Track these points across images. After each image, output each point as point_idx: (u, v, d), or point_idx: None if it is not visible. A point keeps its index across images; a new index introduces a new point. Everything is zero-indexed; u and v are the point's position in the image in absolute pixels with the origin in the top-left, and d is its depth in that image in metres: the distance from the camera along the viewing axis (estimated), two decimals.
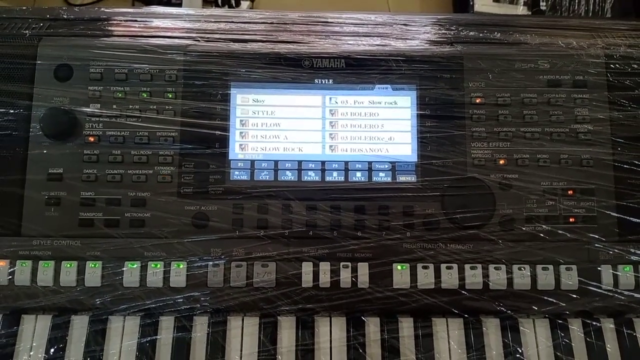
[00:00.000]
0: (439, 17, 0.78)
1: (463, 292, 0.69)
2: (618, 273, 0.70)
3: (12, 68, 0.73)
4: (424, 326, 0.70)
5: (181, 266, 0.69)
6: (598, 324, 0.70)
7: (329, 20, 0.78)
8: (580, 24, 0.79)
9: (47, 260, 0.69)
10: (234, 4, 1.67)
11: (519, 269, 0.70)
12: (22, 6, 0.79)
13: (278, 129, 0.74)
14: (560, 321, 0.70)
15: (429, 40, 0.76)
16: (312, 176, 0.72)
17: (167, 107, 0.72)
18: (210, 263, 0.69)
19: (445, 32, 0.77)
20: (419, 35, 0.76)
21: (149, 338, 0.69)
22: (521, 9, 1.27)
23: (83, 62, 0.73)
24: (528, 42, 0.76)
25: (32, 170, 0.71)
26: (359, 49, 0.75)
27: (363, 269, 0.70)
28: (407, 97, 0.74)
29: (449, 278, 0.70)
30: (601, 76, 0.74)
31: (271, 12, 0.79)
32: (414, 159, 0.72)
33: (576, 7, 1.21)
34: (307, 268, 0.70)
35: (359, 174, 0.72)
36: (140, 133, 0.72)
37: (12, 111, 0.72)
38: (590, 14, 1.16)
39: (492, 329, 0.70)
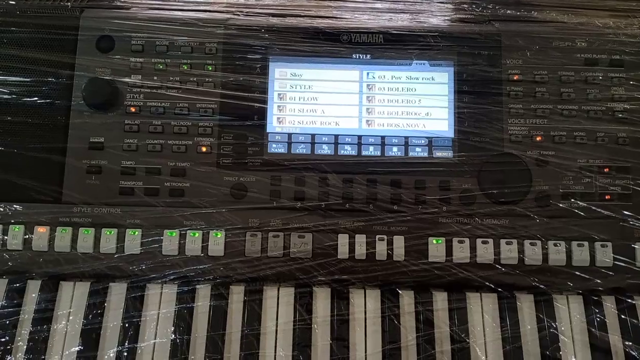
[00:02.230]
0: None
1: (498, 266, 0.70)
2: None
3: (54, 39, 0.74)
4: (458, 299, 0.70)
5: (219, 235, 0.70)
6: (632, 301, 0.71)
7: None
8: (617, 5, 0.79)
9: (87, 228, 0.70)
10: None
11: (555, 244, 0.70)
12: None
13: (315, 103, 0.74)
14: (594, 298, 0.70)
15: (467, 18, 0.77)
16: (348, 150, 0.73)
17: (206, 79, 0.73)
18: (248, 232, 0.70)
19: (482, 9, 0.77)
20: (456, 12, 0.77)
21: (186, 305, 0.69)
22: None
23: (125, 34, 0.74)
24: (565, 21, 0.76)
25: (73, 139, 0.72)
26: (397, 25, 0.75)
27: (399, 242, 0.70)
28: (445, 73, 0.74)
29: (485, 252, 0.70)
30: (638, 56, 0.74)
31: None
32: (451, 134, 0.73)
33: None
34: (343, 240, 0.70)
35: (395, 148, 0.73)
36: (181, 104, 0.73)
37: (54, 80, 0.73)
38: None
39: (526, 304, 0.71)
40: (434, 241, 0.70)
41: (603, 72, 0.74)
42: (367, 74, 0.75)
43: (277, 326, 0.69)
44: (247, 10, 0.76)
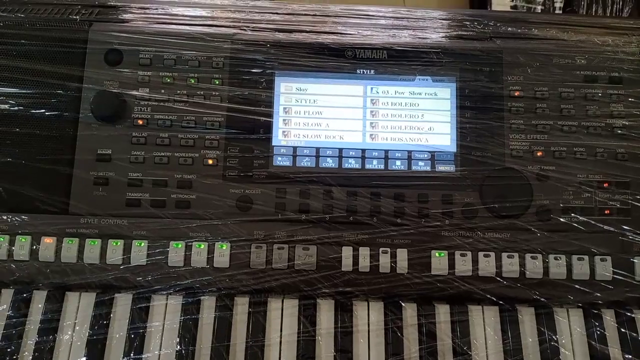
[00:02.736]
0: (478, 12, 0.80)
1: (499, 279, 0.71)
2: None
3: (63, 52, 0.75)
4: (460, 312, 0.71)
5: (225, 247, 0.71)
6: (631, 314, 0.72)
7: (370, 13, 0.80)
8: (616, 23, 0.81)
9: (94, 239, 0.71)
10: None
11: (555, 258, 0.71)
12: None
13: (320, 117, 0.76)
14: (594, 311, 0.71)
15: (469, 35, 0.78)
16: (352, 164, 0.74)
17: (213, 93, 0.74)
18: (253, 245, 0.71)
19: (484, 26, 0.79)
20: (459, 29, 0.78)
21: (191, 316, 0.70)
22: (539, 9, 1.30)
23: (133, 48, 0.75)
24: (565, 39, 0.78)
25: (81, 151, 0.73)
26: (401, 41, 0.77)
27: (402, 254, 0.71)
28: (447, 88, 0.76)
29: (487, 266, 0.71)
30: (636, 73, 0.76)
31: (314, 5, 0.81)
32: (453, 149, 0.74)
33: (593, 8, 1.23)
34: (347, 252, 0.71)
35: (398, 162, 0.74)
36: (188, 117, 0.74)
37: (63, 93, 0.74)
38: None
39: (527, 317, 0.72)
40: (437, 254, 0.71)
41: (602, 88, 0.75)
42: (371, 89, 0.76)
43: (281, 337, 0.70)
44: (254, 25, 0.78)
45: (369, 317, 0.72)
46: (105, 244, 0.71)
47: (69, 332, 0.70)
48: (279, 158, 0.74)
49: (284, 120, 0.75)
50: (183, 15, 0.78)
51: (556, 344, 0.70)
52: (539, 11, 1.21)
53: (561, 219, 0.72)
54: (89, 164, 0.72)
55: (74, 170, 0.72)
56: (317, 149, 0.74)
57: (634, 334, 0.71)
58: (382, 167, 0.74)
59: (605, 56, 0.76)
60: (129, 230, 0.71)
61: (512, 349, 0.70)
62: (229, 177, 0.73)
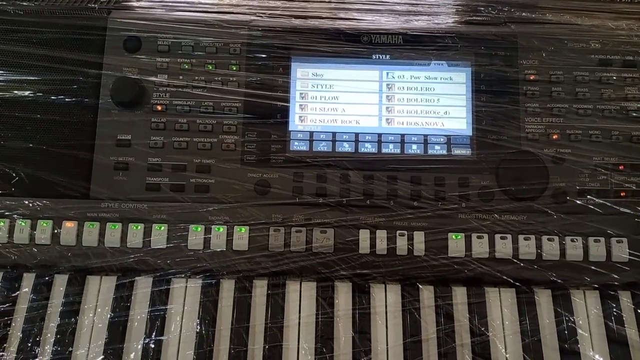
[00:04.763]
0: None
1: (516, 261, 0.71)
2: None
3: (83, 39, 0.76)
4: (477, 294, 0.72)
5: (243, 230, 0.72)
6: None
7: None
8: (629, 8, 0.81)
9: (115, 223, 0.72)
10: None
11: (572, 240, 0.72)
12: None
13: (336, 102, 0.76)
14: (611, 292, 0.72)
15: (484, 20, 0.79)
16: (368, 148, 0.75)
17: (231, 78, 0.75)
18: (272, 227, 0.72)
19: (499, 12, 0.79)
20: (473, 14, 0.79)
21: (211, 299, 0.71)
22: None
23: (151, 35, 0.76)
24: (579, 24, 0.78)
25: (101, 136, 0.74)
26: (416, 26, 0.77)
27: (419, 237, 0.72)
28: (463, 73, 0.76)
29: (503, 248, 0.71)
30: None
31: None
32: (469, 132, 0.75)
33: None
34: (364, 235, 0.72)
35: (414, 146, 0.75)
36: (206, 103, 0.75)
37: (83, 79, 0.75)
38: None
39: (544, 299, 0.72)
40: (454, 237, 0.72)
41: (616, 72, 0.76)
42: (387, 73, 0.77)
43: (299, 319, 0.71)
44: (270, 12, 0.78)
45: (386, 299, 0.72)
46: (125, 227, 0.72)
47: (90, 315, 0.71)
48: (296, 143, 0.75)
49: (300, 105, 0.76)
50: (200, 2, 0.80)
51: (573, 325, 0.70)
52: None
53: (577, 202, 0.72)
54: (109, 149, 0.73)
55: (95, 155, 0.73)
56: (334, 134, 0.75)
57: None
58: (398, 151, 0.75)
59: (619, 40, 0.77)
60: (149, 214, 0.72)
61: (529, 330, 0.70)
62: (247, 161, 0.73)
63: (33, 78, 0.75)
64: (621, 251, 0.72)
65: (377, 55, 0.77)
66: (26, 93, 0.74)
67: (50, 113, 0.74)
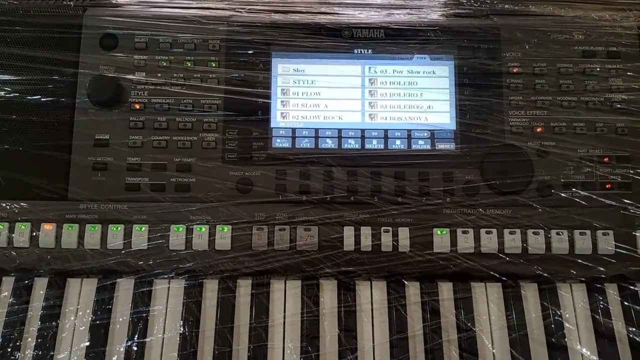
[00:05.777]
0: None
1: (502, 256, 0.71)
2: None
3: (58, 37, 0.74)
4: (463, 289, 0.71)
5: (226, 229, 0.71)
6: (634, 288, 0.72)
7: None
8: None
9: (94, 224, 0.71)
10: None
11: (557, 233, 0.71)
12: None
13: (318, 98, 0.75)
14: (597, 285, 0.71)
15: (466, 12, 0.78)
16: (352, 144, 0.74)
17: (210, 75, 0.74)
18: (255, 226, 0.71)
19: (481, 4, 0.78)
20: (456, 7, 0.78)
21: (194, 299, 0.70)
22: None
23: (128, 32, 0.74)
24: (562, 15, 0.78)
25: (78, 136, 0.72)
26: (398, 20, 0.76)
27: (404, 233, 0.71)
28: (445, 66, 0.75)
29: (489, 242, 0.71)
30: (634, 47, 0.76)
31: None
32: (453, 127, 0.74)
33: None
34: (348, 232, 0.71)
35: (398, 141, 0.74)
36: (185, 100, 0.73)
37: (59, 79, 0.73)
38: None
39: (530, 293, 0.72)
40: (439, 232, 0.71)
41: (600, 63, 0.75)
42: (369, 68, 0.76)
43: (284, 318, 0.70)
44: (250, 7, 0.77)
45: (372, 296, 0.71)
46: (105, 229, 0.71)
47: (72, 318, 0.70)
48: (278, 140, 0.73)
49: (282, 101, 0.75)
50: None
51: (560, 319, 0.70)
52: None
53: (562, 194, 0.72)
54: (87, 150, 0.72)
55: (72, 156, 0.72)
56: (316, 130, 0.74)
57: (638, 307, 0.71)
58: (381, 146, 0.74)
59: (603, 31, 0.76)
60: (129, 214, 0.71)
61: (515, 325, 0.69)
62: (228, 159, 0.72)
63: (8, 78, 0.73)
64: (607, 244, 0.71)
65: (359, 50, 0.76)
66: (1, 93, 0.73)
67: (26, 113, 0.73)
